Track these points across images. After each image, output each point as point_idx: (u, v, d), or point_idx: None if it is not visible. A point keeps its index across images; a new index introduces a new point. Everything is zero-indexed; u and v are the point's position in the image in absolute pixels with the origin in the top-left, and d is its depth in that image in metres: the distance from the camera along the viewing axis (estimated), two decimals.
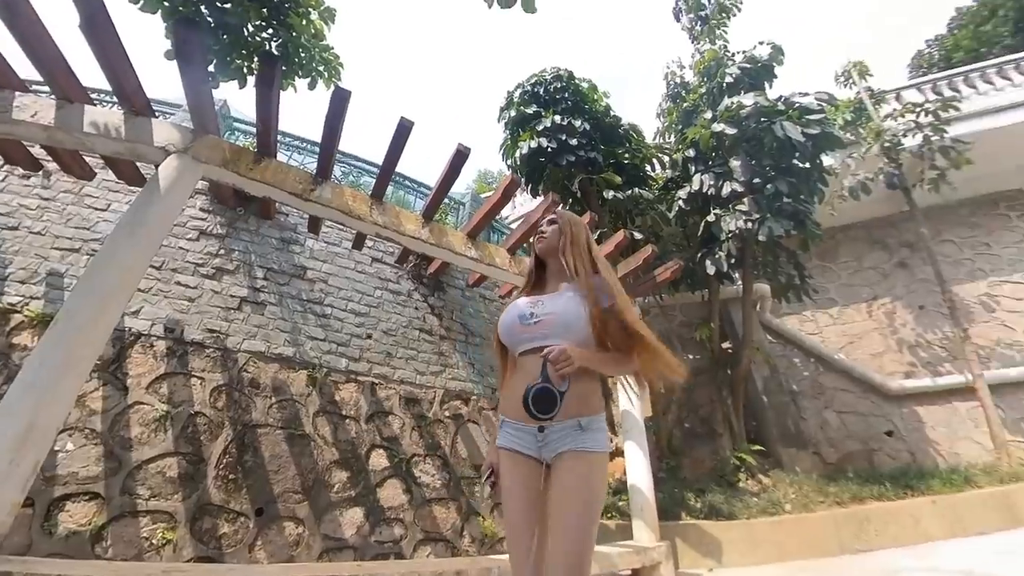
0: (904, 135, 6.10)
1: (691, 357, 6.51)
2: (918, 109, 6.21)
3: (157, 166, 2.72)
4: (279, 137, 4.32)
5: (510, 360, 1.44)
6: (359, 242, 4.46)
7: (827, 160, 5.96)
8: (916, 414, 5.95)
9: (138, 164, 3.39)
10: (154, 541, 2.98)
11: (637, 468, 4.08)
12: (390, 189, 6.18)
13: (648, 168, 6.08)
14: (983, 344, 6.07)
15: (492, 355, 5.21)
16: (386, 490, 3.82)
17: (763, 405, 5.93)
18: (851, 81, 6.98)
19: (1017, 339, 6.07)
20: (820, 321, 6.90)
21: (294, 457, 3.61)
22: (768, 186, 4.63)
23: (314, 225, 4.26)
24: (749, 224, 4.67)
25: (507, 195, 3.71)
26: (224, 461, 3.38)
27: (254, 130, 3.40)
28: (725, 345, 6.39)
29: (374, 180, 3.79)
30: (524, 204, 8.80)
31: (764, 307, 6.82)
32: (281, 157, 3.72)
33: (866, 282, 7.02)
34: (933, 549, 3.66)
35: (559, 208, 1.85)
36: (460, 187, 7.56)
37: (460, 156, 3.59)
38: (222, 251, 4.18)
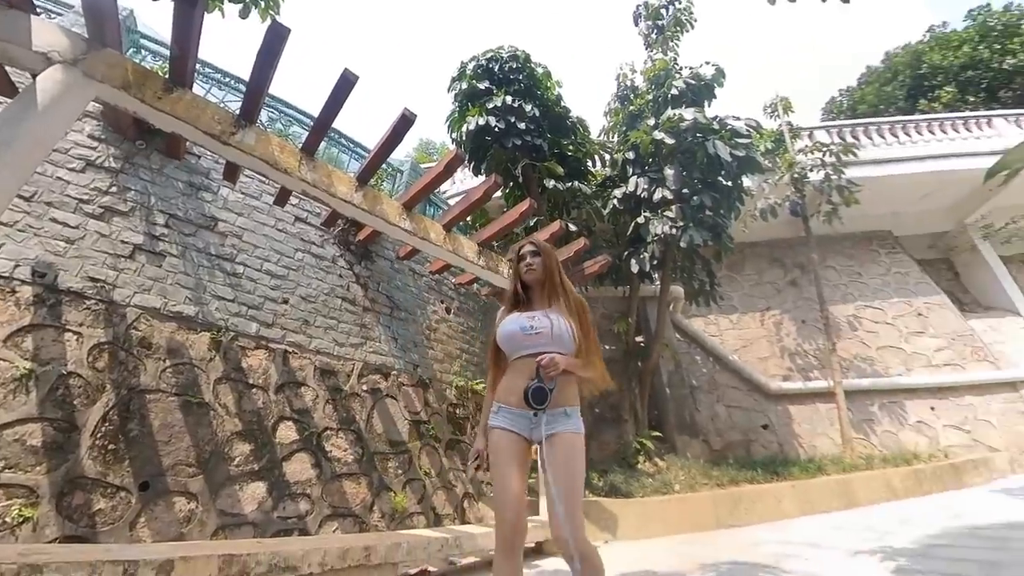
0: (811, 170, 6.90)
1: (607, 347, 6.91)
2: (825, 149, 7.04)
3: (35, 76, 2.26)
4: (198, 67, 3.79)
5: (504, 361, 1.84)
6: (282, 198, 4.10)
7: (746, 182, 6.58)
8: (788, 411, 6.89)
9: (7, 69, 2.80)
10: (8, 519, 2.56)
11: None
12: (323, 145, 5.74)
13: (589, 163, 6.24)
14: (845, 356, 7.15)
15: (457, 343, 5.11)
16: (293, 464, 3.62)
17: (666, 396, 6.48)
18: (776, 113, 7.72)
19: (870, 355, 7.24)
20: (721, 325, 7.66)
21: (189, 427, 3.27)
22: (695, 198, 4.99)
23: (231, 173, 3.84)
24: (674, 230, 5.00)
25: (449, 170, 3.62)
26: (103, 429, 2.96)
27: (167, 53, 2.94)
28: (639, 339, 6.86)
29: (306, 133, 3.48)
30: (464, 181, 8.63)
31: (676, 308, 7.40)
32: (198, 90, 3.27)
33: (763, 295, 7.91)
34: (789, 525, 4.30)
35: (538, 238, 2.08)
36: (399, 154, 7.21)
37: (405, 121, 3.41)
38: (114, 188, 3.59)
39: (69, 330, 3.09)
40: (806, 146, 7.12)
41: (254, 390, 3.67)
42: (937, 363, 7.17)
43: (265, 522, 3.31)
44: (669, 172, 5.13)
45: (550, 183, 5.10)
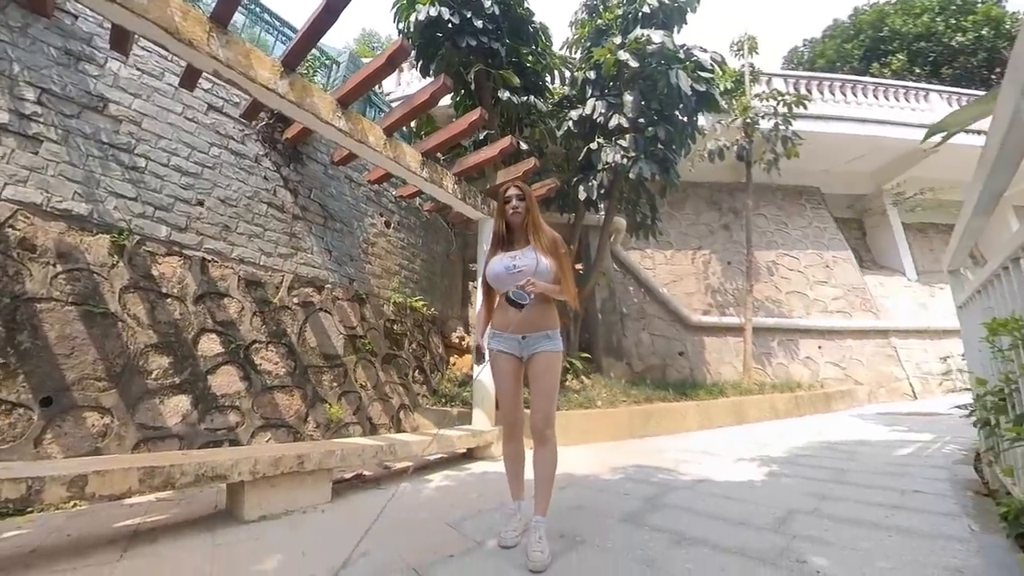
0: (763, 117, 6.96)
1: None
2: (780, 98, 7.05)
3: None
4: None
5: (494, 295, 2.19)
6: (189, 80, 3.48)
7: (701, 121, 6.55)
8: (702, 342, 7.61)
9: None
10: None
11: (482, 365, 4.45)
12: (243, 21, 4.84)
13: (548, 79, 5.85)
14: (758, 298, 7.87)
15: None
16: (219, 377, 3.49)
17: (597, 321, 6.87)
18: (741, 52, 7.53)
19: (779, 298, 8.04)
20: (656, 259, 8.04)
21: (94, 339, 2.99)
22: (650, 128, 4.89)
23: (119, 41, 3.16)
24: (625, 160, 4.94)
25: (392, 63, 3.21)
26: None
27: None
28: (578, 267, 7.06)
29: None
30: (411, 84, 7.84)
31: (617, 239, 7.62)
32: None
33: (697, 235, 8.31)
34: (689, 436, 4.95)
35: (519, 182, 2.28)
36: (336, 43, 6.26)
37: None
38: None
39: None
40: (763, 92, 7.14)
41: (169, 300, 3.38)
42: (831, 310, 8.16)
43: (192, 434, 3.24)
44: (628, 98, 4.93)
45: (504, 94, 4.72)
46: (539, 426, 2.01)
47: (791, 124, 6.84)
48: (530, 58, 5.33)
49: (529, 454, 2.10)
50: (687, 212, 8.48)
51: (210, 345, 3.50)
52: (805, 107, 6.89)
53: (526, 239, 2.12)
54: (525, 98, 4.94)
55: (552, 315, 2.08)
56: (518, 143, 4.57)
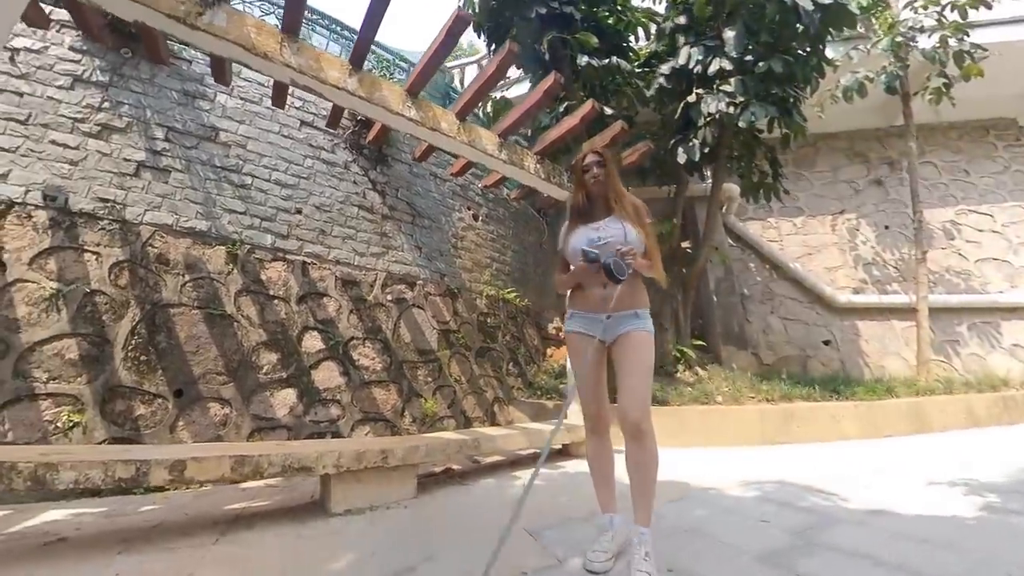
0: (920, 31, 5.38)
1: None
2: (946, 1, 5.38)
3: None
4: None
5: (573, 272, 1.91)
6: (279, 97, 3.72)
7: (829, 52, 5.34)
8: (855, 327, 6.22)
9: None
10: (59, 424, 2.76)
11: None
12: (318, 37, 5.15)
13: (632, 39, 5.27)
14: (935, 269, 6.17)
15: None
16: (321, 372, 3.68)
17: (712, 304, 6.01)
18: None
19: (967, 268, 6.20)
20: (783, 229, 6.80)
21: (215, 338, 3.34)
22: (760, 64, 4.04)
23: (219, 71, 3.47)
24: (731, 108, 4.16)
25: (452, 34, 3.04)
26: (133, 342, 3.07)
27: None
28: (685, 244, 6.26)
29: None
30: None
31: (730, 208, 6.62)
32: None
33: (837, 195, 6.83)
34: (848, 447, 3.92)
35: (599, 147, 2.04)
36: (411, 47, 6.43)
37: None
38: (107, 104, 3.40)
39: (87, 250, 3.11)
40: None
41: (276, 301, 3.66)
42: None
43: (298, 426, 3.45)
44: (730, 35, 4.13)
45: (583, 59, 4.30)
46: (634, 416, 1.68)
47: (967, 35, 5.15)
48: (609, 18, 4.83)
49: (619, 457, 1.81)
50: (820, 170, 7.01)
51: (312, 342, 3.71)
52: (989, 6, 5.12)
53: (608, 209, 1.90)
54: (606, 61, 4.46)
55: (642, 293, 1.86)
56: (602, 109, 4.12)
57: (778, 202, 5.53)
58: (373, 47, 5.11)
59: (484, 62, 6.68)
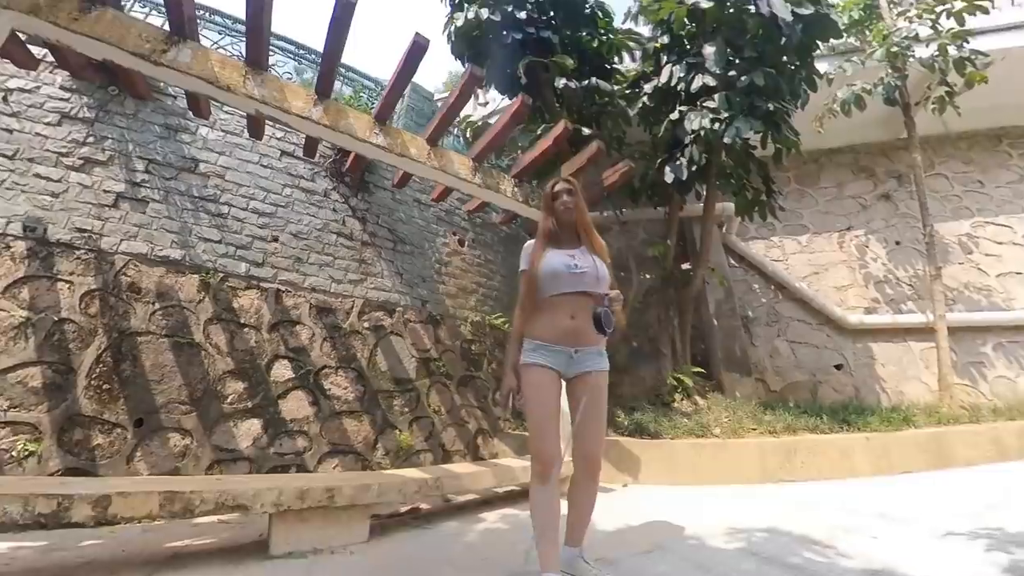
0: (916, 40, 5.20)
1: (646, 276, 6.20)
2: (941, 8, 5.23)
3: None
4: None
5: (538, 298, 1.82)
6: (255, 128, 3.80)
7: (821, 67, 5.20)
8: (869, 350, 5.83)
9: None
10: (14, 453, 2.74)
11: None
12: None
13: (618, 61, 5.26)
14: (952, 286, 5.78)
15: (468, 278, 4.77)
16: (289, 402, 3.59)
17: (712, 328, 5.74)
18: None
19: (988, 283, 5.79)
20: (787, 248, 6.52)
21: (180, 367, 3.30)
22: (742, 78, 3.93)
23: (195, 105, 3.57)
24: (716, 125, 4.05)
25: (411, 62, 3.06)
26: (97, 371, 3.06)
27: None
28: (685, 266, 6.05)
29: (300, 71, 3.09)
30: (489, 104, 7.86)
31: (730, 228, 6.40)
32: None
33: (843, 211, 6.54)
34: (857, 486, 3.54)
35: (569, 176, 2.20)
36: (427, 84, 6.59)
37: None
38: (91, 139, 3.53)
39: (61, 279, 3.15)
40: (911, 3, 5.36)
41: (246, 329, 3.63)
42: None
43: (261, 458, 3.35)
44: (710, 50, 4.05)
45: (560, 82, 4.28)
46: (595, 455, 1.78)
47: (967, 42, 4.93)
48: (592, 42, 4.83)
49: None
50: (824, 186, 6.74)
51: (282, 371, 3.65)
52: (987, 11, 4.90)
53: (575, 239, 1.90)
54: (586, 83, 4.42)
55: None
56: (578, 129, 4.07)
57: (776, 220, 5.32)
58: (354, 75, 5.25)
59: (479, 91, 6.76)
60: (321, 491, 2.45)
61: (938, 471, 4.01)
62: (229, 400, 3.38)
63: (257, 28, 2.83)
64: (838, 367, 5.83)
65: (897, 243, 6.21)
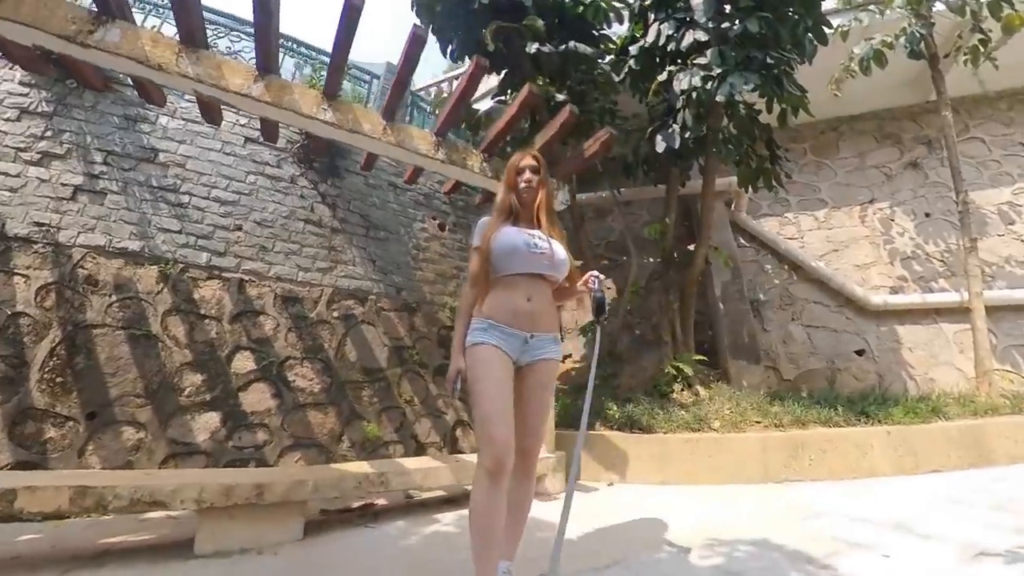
0: None
1: (649, 260, 5.83)
2: None
3: None
4: None
5: (491, 276, 1.65)
6: (207, 113, 3.66)
7: (836, 21, 4.67)
8: (895, 333, 5.27)
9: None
10: None
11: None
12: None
13: (606, 27, 4.87)
14: (990, 260, 5.14)
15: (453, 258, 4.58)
16: (250, 394, 3.48)
17: (718, 313, 5.33)
18: None
19: None
20: (803, 224, 5.98)
21: (136, 359, 3.23)
22: (735, 27, 3.51)
23: (144, 91, 3.46)
24: (708, 84, 3.65)
25: (349, 30, 2.85)
26: (51, 364, 3.02)
27: None
28: (693, 247, 5.63)
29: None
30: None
31: (739, 204, 5.93)
32: None
33: (866, 182, 5.93)
34: (874, 488, 3.11)
35: (537, 153, 1.87)
36: (375, 58, 6.36)
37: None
38: (49, 132, 3.48)
39: (18, 274, 3.12)
40: None
41: (206, 321, 3.53)
42: None
43: (219, 451, 3.25)
44: (698, 0, 3.66)
45: (532, 47, 3.96)
46: (535, 450, 1.64)
47: None
48: (575, 6, 4.48)
49: None
50: (843, 156, 6.12)
51: (244, 363, 3.54)
52: None
53: (535, 223, 1.76)
54: (563, 46, 4.09)
55: (557, 316, 1.80)
56: (548, 95, 3.77)
57: (786, 193, 4.84)
58: (317, 54, 5.07)
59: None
60: (249, 487, 2.31)
61: (973, 470, 3.52)
62: (186, 393, 3.29)
63: (188, 3, 2.67)
64: (859, 353, 5.30)
65: (927, 215, 5.58)
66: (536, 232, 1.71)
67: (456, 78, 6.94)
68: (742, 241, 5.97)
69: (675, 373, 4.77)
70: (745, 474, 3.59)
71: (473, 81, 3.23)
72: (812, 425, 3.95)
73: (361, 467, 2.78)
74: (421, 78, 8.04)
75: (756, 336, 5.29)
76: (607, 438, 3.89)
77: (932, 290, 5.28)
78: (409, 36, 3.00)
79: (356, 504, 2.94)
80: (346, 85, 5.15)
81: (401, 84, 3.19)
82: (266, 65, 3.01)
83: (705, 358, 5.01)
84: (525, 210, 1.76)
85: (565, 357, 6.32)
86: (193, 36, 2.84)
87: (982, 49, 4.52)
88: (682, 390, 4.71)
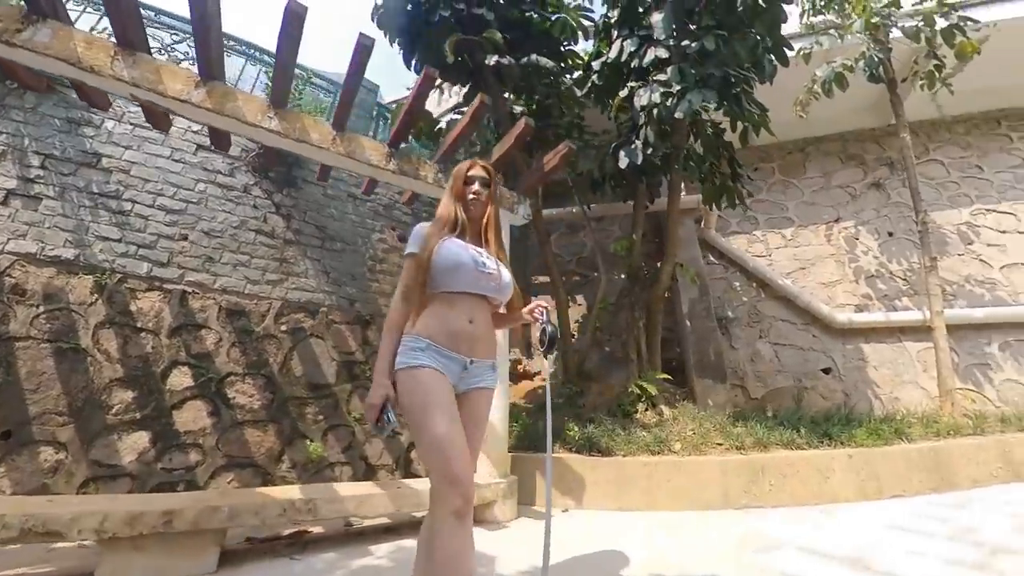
0: (897, 5, 4.69)
1: (620, 276, 5.78)
2: None
3: None
4: None
5: (428, 290, 1.48)
6: (153, 119, 3.55)
7: (798, 45, 4.75)
8: (860, 351, 5.27)
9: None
10: None
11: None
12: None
13: (574, 43, 4.89)
14: (951, 279, 5.19)
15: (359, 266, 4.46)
16: (185, 412, 3.30)
17: (685, 330, 5.28)
18: None
19: (992, 276, 5.17)
20: (771, 242, 6.01)
21: (61, 374, 3.05)
22: (692, 44, 3.53)
23: (85, 94, 3.33)
24: (669, 100, 3.65)
25: (292, 37, 2.79)
26: None
27: None
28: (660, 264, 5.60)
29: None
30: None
31: (708, 222, 5.93)
32: None
33: (831, 202, 6.00)
34: (835, 514, 3.02)
35: (488, 165, 1.72)
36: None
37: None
38: None
39: None
40: None
41: (143, 334, 3.36)
42: None
43: (146, 474, 3.05)
44: (657, 18, 3.68)
45: (491, 59, 3.93)
46: (472, 491, 1.43)
47: (955, 10, 4.39)
48: (542, 22, 4.49)
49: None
50: (810, 176, 6.21)
51: (180, 379, 3.37)
52: None
53: (480, 238, 1.63)
54: (525, 59, 4.07)
55: (495, 340, 1.65)
56: (510, 108, 3.73)
57: (751, 210, 4.85)
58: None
59: (444, 86, 6.46)
60: (157, 515, 2.14)
61: (935, 495, 3.44)
62: (114, 411, 3.10)
63: (124, 4, 2.58)
64: (826, 371, 5.28)
65: (890, 234, 5.64)
66: (483, 251, 1.59)
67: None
68: (711, 258, 5.97)
69: (639, 392, 4.69)
70: (705, 499, 3.47)
71: (422, 91, 3.18)
72: (774, 447, 3.86)
73: (287, 492, 2.61)
74: (395, 92, 8.00)
75: (723, 354, 5.24)
76: (564, 461, 3.76)
77: (896, 308, 5.31)
78: (356, 45, 2.95)
79: (287, 532, 2.77)
80: (309, 96, 5.08)
81: (349, 93, 3.12)
82: (208, 71, 2.93)
83: (670, 377, 4.94)
84: (472, 224, 1.62)
85: (534, 375, 6.21)
86: (130, 38, 2.76)
87: (937, 75, 4.62)
88: (646, 410, 4.61)
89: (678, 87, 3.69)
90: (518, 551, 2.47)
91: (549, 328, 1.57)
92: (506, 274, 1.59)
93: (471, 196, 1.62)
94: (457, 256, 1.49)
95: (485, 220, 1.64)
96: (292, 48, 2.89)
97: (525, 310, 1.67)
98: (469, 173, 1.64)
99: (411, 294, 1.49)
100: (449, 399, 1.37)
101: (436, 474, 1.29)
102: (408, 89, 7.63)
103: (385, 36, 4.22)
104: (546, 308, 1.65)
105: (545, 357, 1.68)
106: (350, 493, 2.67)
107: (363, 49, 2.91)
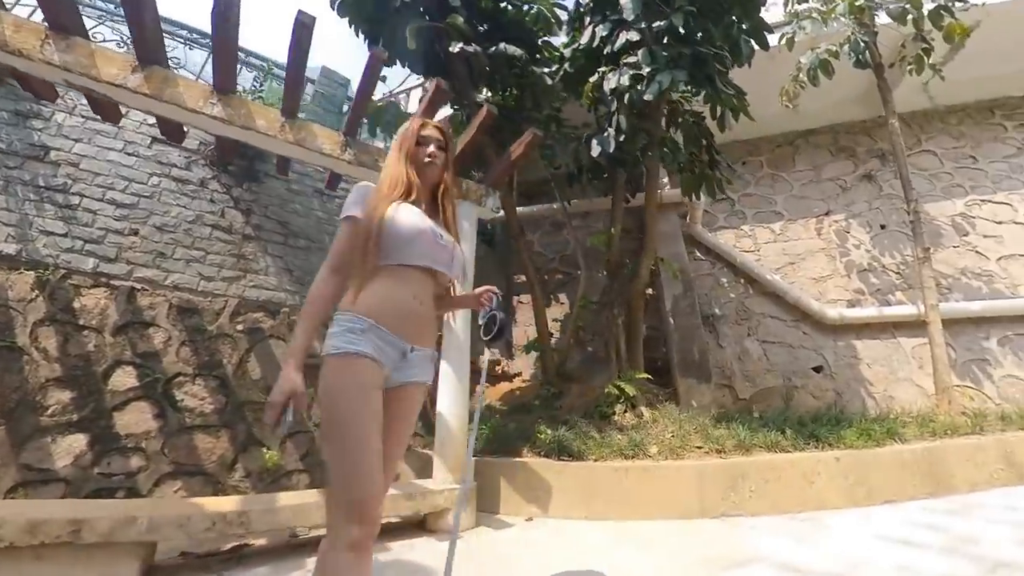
0: None
1: (602, 273, 5.59)
2: None
3: None
4: None
5: (374, 263, 1.26)
6: (100, 109, 3.41)
7: (782, 30, 4.60)
8: (853, 348, 5.04)
9: None
10: None
11: (448, 394, 3.32)
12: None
13: (550, 34, 4.75)
14: (946, 272, 4.97)
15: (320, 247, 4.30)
16: (128, 414, 3.14)
17: (669, 328, 5.08)
18: None
19: (989, 268, 4.94)
20: (759, 237, 5.80)
21: None
22: (660, 23, 3.37)
23: (29, 85, 3.21)
24: (639, 84, 3.48)
25: (226, 18, 2.64)
26: None
27: None
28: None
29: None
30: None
31: (694, 217, 5.74)
32: None
33: (821, 195, 5.79)
34: (821, 523, 2.78)
35: (441, 124, 1.54)
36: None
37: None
38: None
39: None
40: None
41: (85, 332, 3.20)
42: None
43: (81, 479, 2.89)
44: (625, 0, 3.54)
45: (456, 47, 3.78)
46: (386, 489, 1.25)
47: None
48: (519, 12, 4.36)
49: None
50: (800, 169, 6.01)
51: (124, 379, 3.21)
52: None
53: (434, 206, 1.46)
54: (493, 48, 3.93)
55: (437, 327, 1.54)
56: (473, 97, 3.58)
57: (732, 198, 4.66)
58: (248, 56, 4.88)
59: (427, 85, 6.34)
60: (63, 523, 1.97)
61: (930, 499, 3.20)
62: (50, 412, 2.94)
63: None
64: (817, 369, 5.05)
65: (883, 227, 5.42)
66: (439, 222, 1.43)
67: (408, 91, 6.80)
68: (698, 254, 5.77)
69: (617, 393, 4.48)
70: (679, 507, 3.25)
71: (372, 75, 3.03)
72: (757, 450, 3.62)
73: (219, 504, 2.42)
74: (378, 91, 7.88)
75: (707, 353, 5.03)
76: (530, 466, 3.55)
77: (889, 303, 5.08)
78: (294, 23, 2.79)
79: (228, 546, 2.58)
80: (276, 88, 4.96)
81: (294, 76, 2.97)
82: (146, 56, 2.80)
83: (651, 377, 4.73)
84: (425, 191, 1.43)
85: (514, 375, 6.02)
86: (63, 22, 2.63)
87: (926, 59, 4.43)
88: (624, 411, 4.40)
89: (648, 69, 3.53)
90: (466, 567, 2.27)
91: (500, 315, 1.46)
92: (459, 252, 1.44)
93: (427, 159, 1.41)
94: (415, 223, 1.30)
95: (442, 189, 1.47)
96: (228, 29, 2.75)
97: (475, 292, 1.56)
98: (422, 133, 1.44)
99: (347, 265, 1.26)
100: (374, 398, 1.17)
101: (337, 498, 1.11)
102: (390, 87, 7.43)
103: (351, 26, 4.07)
104: (497, 295, 1.55)
105: (488, 348, 1.54)
106: (287, 503, 2.48)
107: (301, 27, 2.75)
